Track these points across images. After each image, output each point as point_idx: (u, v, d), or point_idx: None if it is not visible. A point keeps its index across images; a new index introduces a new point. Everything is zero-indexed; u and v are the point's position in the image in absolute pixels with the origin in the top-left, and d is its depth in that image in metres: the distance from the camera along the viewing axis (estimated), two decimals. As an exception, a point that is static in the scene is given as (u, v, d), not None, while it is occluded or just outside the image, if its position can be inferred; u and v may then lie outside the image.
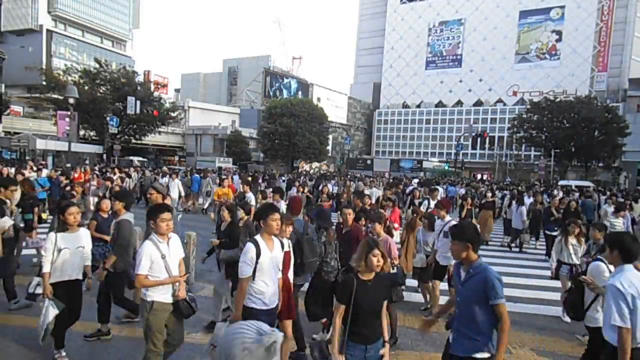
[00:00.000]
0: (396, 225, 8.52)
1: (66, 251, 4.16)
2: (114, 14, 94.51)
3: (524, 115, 49.57)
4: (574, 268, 6.33)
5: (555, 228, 10.23)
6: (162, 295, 3.68)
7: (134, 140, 42.51)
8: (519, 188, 21.96)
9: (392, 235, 6.02)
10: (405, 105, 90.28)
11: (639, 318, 3.02)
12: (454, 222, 6.00)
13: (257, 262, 3.55)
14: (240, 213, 5.94)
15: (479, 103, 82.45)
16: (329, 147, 57.77)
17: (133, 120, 39.13)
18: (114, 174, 15.68)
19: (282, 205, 7.86)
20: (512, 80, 79.09)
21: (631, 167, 51.29)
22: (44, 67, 50.30)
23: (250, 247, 3.58)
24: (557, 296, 7.77)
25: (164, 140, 55.84)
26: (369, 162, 68.45)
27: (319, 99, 70.75)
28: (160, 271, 3.68)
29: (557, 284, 8.46)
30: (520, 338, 5.42)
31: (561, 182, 35.44)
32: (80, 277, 4.34)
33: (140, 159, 43.87)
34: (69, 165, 18.83)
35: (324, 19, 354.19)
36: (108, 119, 36.02)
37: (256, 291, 3.59)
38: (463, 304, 3.10)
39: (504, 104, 78.83)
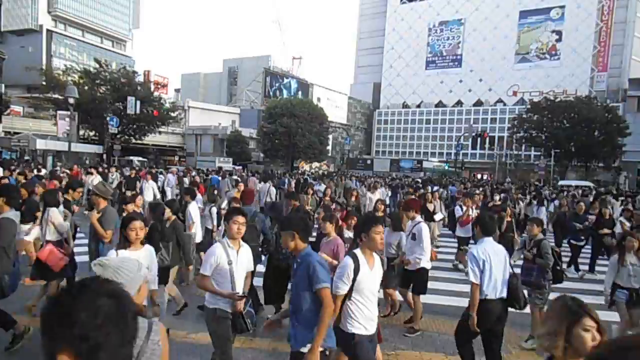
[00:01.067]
0: None
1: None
2: (114, 14, 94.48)
3: (524, 115, 49.53)
4: (634, 293, 5.16)
5: (582, 238, 9.48)
6: (222, 303, 3.49)
7: (134, 140, 42.44)
8: (545, 189, 21.35)
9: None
10: (405, 105, 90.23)
11: (487, 278, 3.97)
12: (423, 223, 5.76)
13: (354, 280, 3.10)
14: (167, 213, 5.62)
15: (479, 103, 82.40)
16: (329, 147, 57.69)
17: (133, 120, 39.06)
18: (92, 174, 14.77)
19: (193, 205, 7.71)
20: (512, 80, 79.04)
21: (631, 167, 51.26)
22: (44, 67, 50.27)
23: (348, 262, 3.13)
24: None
25: (164, 140, 55.79)
26: (369, 162, 68.43)
27: (319, 99, 70.66)
28: (224, 277, 3.48)
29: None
30: (521, 338, 5.41)
31: (561, 182, 35.48)
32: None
33: (140, 158, 43.82)
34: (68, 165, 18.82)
35: (324, 19, 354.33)
36: (108, 119, 35.95)
37: (354, 315, 3.17)
38: (295, 296, 3.09)
39: (504, 104, 78.78)
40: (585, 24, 72.75)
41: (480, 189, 20.92)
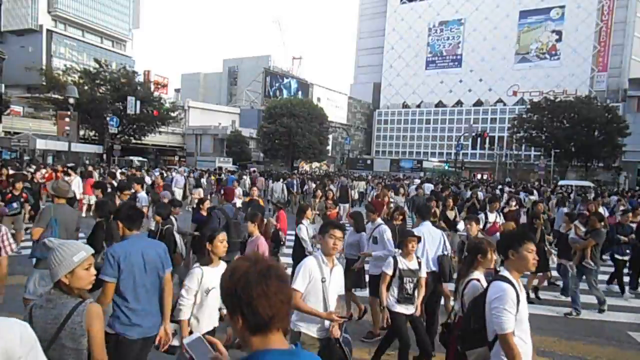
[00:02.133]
0: None
1: (214, 292, 3.21)
2: (114, 14, 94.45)
3: (524, 115, 49.51)
4: None
5: (628, 251, 8.32)
6: (310, 327, 3.10)
7: (134, 140, 42.47)
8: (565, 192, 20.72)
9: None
10: (405, 105, 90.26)
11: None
12: (384, 226, 5.54)
13: (517, 311, 2.54)
14: None
15: (479, 103, 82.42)
16: (329, 147, 57.75)
17: (133, 120, 39.09)
18: (69, 174, 14.23)
19: (143, 195, 8.27)
20: (512, 80, 79.05)
21: (631, 167, 51.27)
22: (44, 67, 50.27)
23: (505, 288, 2.53)
24: (557, 296, 7.73)
25: (164, 140, 55.82)
26: (369, 162, 68.46)
27: (319, 99, 70.68)
28: (315, 295, 3.08)
29: (559, 283, 8.44)
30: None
31: (561, 182, 35.44)
32: (217, 324, 3.43)
33: (140, 158, 43.86)
34: (70, 164, 18.78)
35: (324, 19, 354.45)
36: (108, 119, 35.98)
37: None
38: None
39: (504, 104, 78.79)
40: (585, 24, 72.75)
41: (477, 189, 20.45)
